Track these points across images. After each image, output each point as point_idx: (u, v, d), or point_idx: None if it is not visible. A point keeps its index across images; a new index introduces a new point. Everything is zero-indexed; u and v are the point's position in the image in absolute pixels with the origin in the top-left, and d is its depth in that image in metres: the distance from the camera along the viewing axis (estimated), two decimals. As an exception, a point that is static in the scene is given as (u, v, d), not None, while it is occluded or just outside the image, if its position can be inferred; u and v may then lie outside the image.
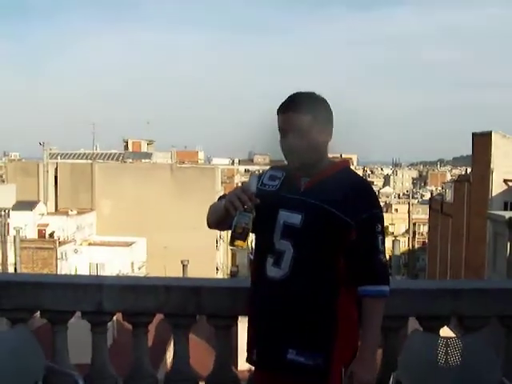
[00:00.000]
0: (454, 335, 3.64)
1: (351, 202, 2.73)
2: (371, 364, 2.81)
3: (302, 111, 2.75)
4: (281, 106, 2.80)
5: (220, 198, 3.02)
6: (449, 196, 43.10)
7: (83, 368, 3.76)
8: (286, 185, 2.92)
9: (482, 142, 34.75)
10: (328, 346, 2.77)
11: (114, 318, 3.85)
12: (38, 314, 3.75)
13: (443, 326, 3.69)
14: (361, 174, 3.31)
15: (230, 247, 56.38)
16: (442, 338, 3.49)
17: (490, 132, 33.97)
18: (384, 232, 2.82)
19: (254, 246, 2.98)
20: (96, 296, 3.63)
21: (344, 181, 2.81)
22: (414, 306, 3.60)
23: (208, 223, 3.11)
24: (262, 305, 2.85)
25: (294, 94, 2.81)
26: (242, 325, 3.45)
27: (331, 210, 2.73)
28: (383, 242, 2.81)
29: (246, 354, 2.94)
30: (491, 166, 33.08)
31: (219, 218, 2.93)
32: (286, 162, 2.93)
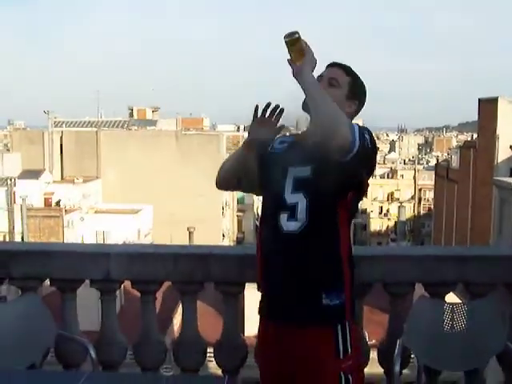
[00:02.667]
0: (460, 301, 3.66)
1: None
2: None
3: (345, 70, 2.93)
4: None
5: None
6: (455, 162, 42.96)
7: (93, 335, 3.81)
8: (294, 145, 3.01)
9: (488, 107, 34.54)
10: (343, 285, 2.83)
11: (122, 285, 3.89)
12: (48, 282, 3.79)
13: (449, 292, 3.71)
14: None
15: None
16: (447, 304, 3.51)
17: (497, 98, 33.76)
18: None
19: (260, 210, 3.02)
20: (104, 264, 3.65)
21: None
22: (419, 271, 3.62)
23: (217, 178, 3.14)
24: (283, 261, 2.82)
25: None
26: (249, 291, 3.48)
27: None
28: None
29: (253, 319, 2.97)
30: (497, 132, 32.93)
31: (234, 162, 3.05)
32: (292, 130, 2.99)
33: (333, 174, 2.72)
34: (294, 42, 2.63)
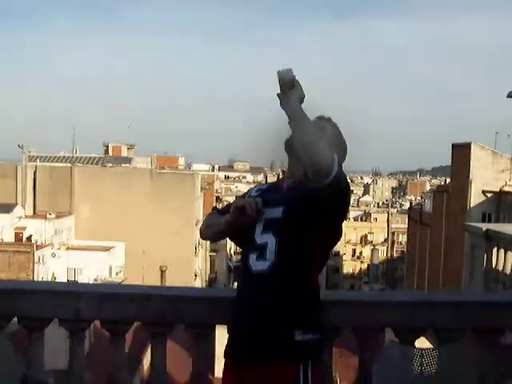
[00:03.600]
0: (430, 345, 3.67)
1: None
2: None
3: (330, 123, 3.04)
4: None
5: (213, 210, 3.26)
6: (428, 206, 43.34)
7: (60, 374, 3.76)
8: (269, 190, 3.10)
9: (461, 152, 35.01)
10: (315, 321, 2.88)
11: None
12: (15, 319, 3.74)
13: (418, 337, 3.72)
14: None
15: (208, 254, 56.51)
16: (417, 349, 3.53)
17: (470, 143, 34.25)
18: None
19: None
20: (74, 303, 3.62)
21: None
22: (389, 317, 3.63)
23: (202, 235, 3.29)
24: (253, 301, 2.86)
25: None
26: (220, 332, 3.48)
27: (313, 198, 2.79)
28: None
29: (223, 361, 2.96)
30: (470, 176, 33.34)
31: (218, 232, 3.11)
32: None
33: (305, 214, 2.77)
34: (287, 78, 2.74)
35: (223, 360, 3.00)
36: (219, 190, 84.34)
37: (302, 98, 2.77)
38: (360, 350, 3.72)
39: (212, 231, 3.19)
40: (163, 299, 3.69)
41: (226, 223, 2.99)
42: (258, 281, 2.86)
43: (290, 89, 2.73)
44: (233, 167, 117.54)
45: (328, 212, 2.82)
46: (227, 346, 2.97)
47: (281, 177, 3.23)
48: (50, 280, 37.22)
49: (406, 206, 73.93)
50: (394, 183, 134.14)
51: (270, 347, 2.81)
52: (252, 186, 3.34)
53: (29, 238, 41.05)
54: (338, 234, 2.98)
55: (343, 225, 3.02)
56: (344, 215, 2.99)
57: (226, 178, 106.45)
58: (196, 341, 3.72)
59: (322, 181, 2.68)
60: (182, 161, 73.71)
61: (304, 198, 2.79)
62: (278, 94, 2.78)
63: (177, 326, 3.71)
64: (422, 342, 3.76)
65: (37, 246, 38.64)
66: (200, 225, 3.34)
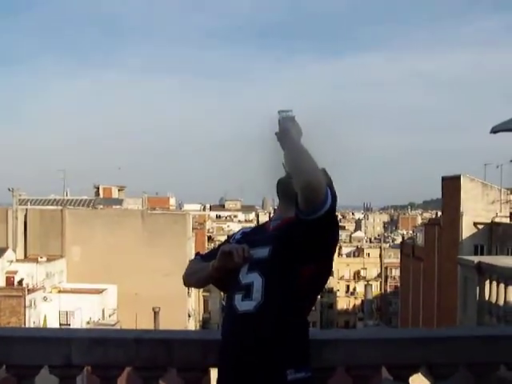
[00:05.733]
0: (426, 381, 3.65)
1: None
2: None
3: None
4: None
5: (197, 255, 3.20)
6: (420, 240, 43.39)
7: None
8: (254, 232, 3.11)
9: (451, 185, 35.18)
10: (307, 359, 2.86)
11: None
12: (4, 367, 3.70)
13: (413, 374, 3.70)
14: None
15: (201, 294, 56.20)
16: (412, 387, 3.51)
17: (459, 176, 34.44)
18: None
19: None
20: (64, 350, 3.58)
21: None
22: (383, 355, 3.61)
23: (186, 281, 3.27)
24: (239, 342, 2.82)
25: None
26: (214, 374, 3.44)
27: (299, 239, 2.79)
28: None
29: None
30: (461, 209, 33.45)
31: (204, 278, 3.09)
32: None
33: (293, 251, 2.76)
34: (288, 115, 2.88)
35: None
36: (211, 230, 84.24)
37: (299, 134, 2.84)
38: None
39: (197, 277, 3.17)
40: (154, 343, 3.65)
41: (214, 269, 2.96)
42: (244, 321, 2.81)
43: (290, 123, 2.85)
44: (224, 206, 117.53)
45: (319, 245, 2.80)
46: None
47: (271, 216, 3.23)
48: (41, 324, 36.92)
49: (398, 240, 73.99)
50: (386, 218, 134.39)
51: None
52: (244, 224, 3.35)
53: (20, 282, 40.78)
54: (328, 270, 2.95)
55: (336, 261, 3.02)
56: (335, 249, 2.99)
57: (218, 217, 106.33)
58: (189, 384, 3.68)
59: (315, 212, 2.68)
60: (173, 201, 73.71)
61: (292, 235, 2.78)
62: (276, 133, 2.83)
63: (169, 369, 3.68)
64: (422, 381, 3.74)
65: (28, 290, 38.36)
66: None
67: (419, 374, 3.76)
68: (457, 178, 34.53)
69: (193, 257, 3.38)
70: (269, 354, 2.77)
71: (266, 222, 3.14)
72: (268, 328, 2.78)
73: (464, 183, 34.14)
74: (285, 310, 2.81)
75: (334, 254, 3.00)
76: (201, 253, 3.36)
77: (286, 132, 2.82)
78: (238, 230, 3.29)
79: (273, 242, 2.87)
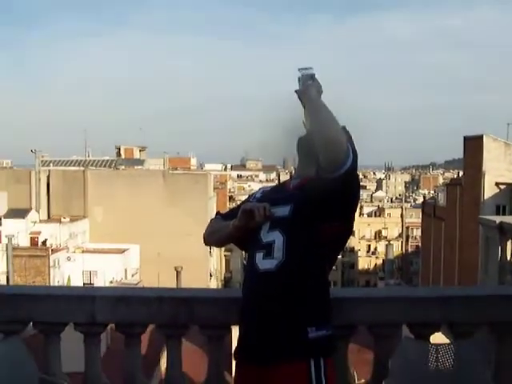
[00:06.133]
0: (447, 340, 3.66)
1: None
2: None
3: None
4: None
5: (217, 215, 3.24)
6: (441, 200, 43.22)
7: (77, 377, 3.77)
8: (274, 191, 3.09)
9: (473, 145, 34.90)
10: (328, 316, 2.88)
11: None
12: (31, 324, 3.76)
13: (433, 333, 3.71)
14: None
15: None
16: (432, 344, 3.51)
17: (482, 135, 34.13)
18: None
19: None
20: (88, 308, 3.64)
21: None
22: (404, 313, 3.62)
23: (206, 240, 3.26)
24: (261, 300, 2.82)
25: None
26: (236, 332, 3.47)
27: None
28: None
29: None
30: (483, 169, 33.22)
31: (225, 237, 3.10)
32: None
33: (314, 209, 2.75)
34: (308, 72, 2.86)
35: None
36: (232, 190, 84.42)
37: (320, 92, 2.82)
38: (375, 347, 3.72)
39: (218, 237, 3.18)
40: (176, 301, 3.69)
41: (234, 227, 2.96)
42: (266, 280, 2.81)
43: (310, 80, 2.82)
44: (245, 166, 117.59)
45: (340, 203, 2.79)
46: (237, 347, 2.95)
47: (292, 175, 3.21)
48: (65, 283, 37.42)
49: (420, 200, 73.74)
50: (407, 178, 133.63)
51: (283, 346, 2.77)
52: (265, 184, 3.34)
53: (44, 243, 41.26)
54: (349, 229, 2.94)
55: (357, 221, 3.01)
56: (355, 208, 2.98)
57: (239, 177, 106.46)
58: (211, 342, 3.73)
59: (337, 170, 2.67)
60: (194, 161, 73.81)
61: (313, 193, 2.76)
62: (296, 91, 2.83)
63: (191, 327, 3.72)
64: (442, 340, 3.74)
65: (52, 250, 38.83)
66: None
67: (440, 332, 3.77)
68: (479, 138, 34.24)
69: (213, 216, 3.38)
70: (290, 313, 2.78)
71: (286, 180, 3.13)
72: (289, 286, 2.78)
73: (486, 143, 33.85)
74: (306, 268, 2.81)
75: (355, 212, 2.99)
76: (221, 212, 3.35)
77: (306, 89, 2.81)
78: (258, 189, 3.28)
79: (294, 200, 2.86)
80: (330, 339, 2.85)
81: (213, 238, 3.22)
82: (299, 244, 2.81)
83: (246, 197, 3.33)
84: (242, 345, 2.93)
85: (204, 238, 3.24)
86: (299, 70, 2.86)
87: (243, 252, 3.26)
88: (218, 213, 3.33)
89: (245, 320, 2.93)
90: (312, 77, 2.84)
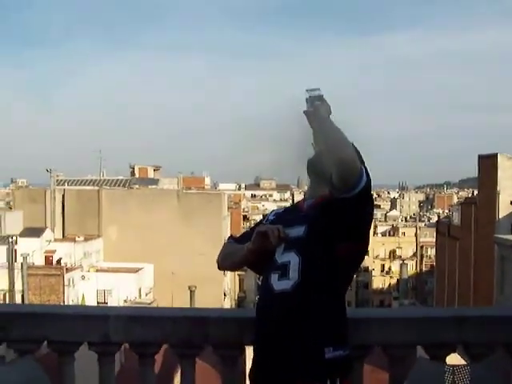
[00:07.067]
0: (463, 361, 3.63)
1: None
2: None
3: None
4: None
5: (230, 239, 3.21)
6: (456, 219, 43.01)
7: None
8: (288, 212, 3.10)
9: (487, 164, 34.78)
10: (344, 337, 2.87)
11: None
12: (45, 343, 3.77)
13: (449, 353, 3.69)
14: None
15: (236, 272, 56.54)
16: (448, 366, 3.49)
17: (496, 154, 34.02)
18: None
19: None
20: (103, 327, 3.64)
21: None
22: (419, 334, 3.60)
23: (220, 265, 3.25)
24: (276, 321, 2.81)
25: None
26: (250, 352, 3.46)
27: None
28: None
29: None
30: (497, 188, 33.07)
31: (239, 261, 3.10)
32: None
33: (329, 229, 2.75)
34: (316, 93, 2.86)
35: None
36: (246, 209, 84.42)
37: (329, 113, 2.82)
38: (390, 367, 3.69)
39: (231, 261, 3.17)
40: (190, 321, 3.69)
41: (249, 251, 2.96)
42: (282, 300, 2.80)
43: (318, 101, 2.82)
44: (259, 185, 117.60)
45: (355, 223, 2.80)
46: (252, 368, 2.94)
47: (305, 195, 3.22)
48: (79, 302, 37.49)
49: (434, 219, 73.42)
50: (421, 197, 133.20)
51: (300, 367, 2.76)
52: (279, 204, 3.34)
53: (58, 261, 41.40)
54: (364, 248, 2.94)
55: (371, 240, 3.01)
56: (370, 227, 2.97)
57: (253, 196, 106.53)
58: (225, 362, 3.71)
59: (351, 190, 2.67)
60: (208, 180, 73.91)
61: (328, 213, 2.77)
62: (304, 112, 2.82)
63: (206, 347, 3.71)
64: (458, 360, 3.71)
65: (66, 269, 38.95)
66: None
67: (456, 353, 3.74)
68: (493, 157, 34.12)
69: (228, 236, 3.39)
70: (306, 333, 2.77)
71: (299, 201, 3.13)
72: (306, 306, 2.78)
73: (501, 161, 33.73)
74: (322, 288, 2.81)
75: (369, 231, 2.98)
76: (234, 236, 3.36)
77: (315, 110, 2.81)
78: (271, 210, 3.28)
79: (308, 220, 2.86)
80: (347, 359, 2.84)
81: (227, 262, 3.21)
82: (315, 264, 2.80)
83: (261, 216, 3.34)
84: (256, 365, 2.92)
85: (218, 262, 3.23)
86: (307, 91, 2.86)
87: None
88: (230, 236, 3.34)
89: (260, 341, 2.92)
90: (320, 98, 2.85)
